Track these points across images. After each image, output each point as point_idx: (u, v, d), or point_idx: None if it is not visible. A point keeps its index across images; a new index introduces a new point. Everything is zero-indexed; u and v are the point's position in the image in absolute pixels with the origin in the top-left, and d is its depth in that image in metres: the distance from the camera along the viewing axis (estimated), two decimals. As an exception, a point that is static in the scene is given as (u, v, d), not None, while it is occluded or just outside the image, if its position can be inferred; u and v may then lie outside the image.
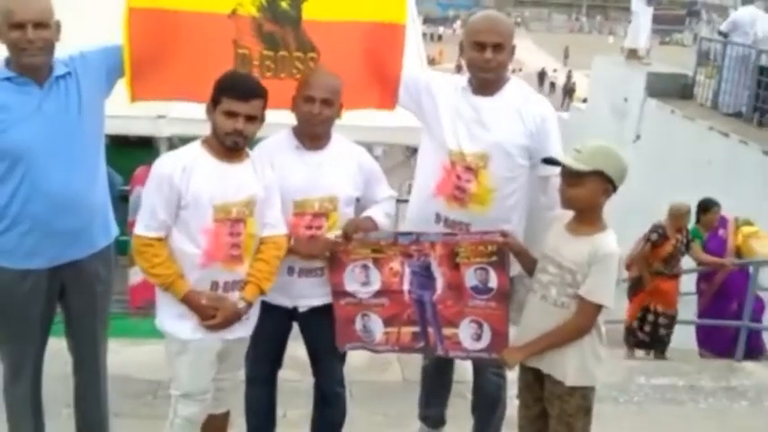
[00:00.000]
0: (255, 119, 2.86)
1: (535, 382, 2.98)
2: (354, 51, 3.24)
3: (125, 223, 4.17)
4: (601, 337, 2.88)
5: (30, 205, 2.84)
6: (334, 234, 3.08)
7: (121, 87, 3.07)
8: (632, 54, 13.19)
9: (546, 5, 77.16)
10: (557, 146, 3.15)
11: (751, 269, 6.77)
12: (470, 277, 3.04)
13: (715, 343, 7.23)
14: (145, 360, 4.45)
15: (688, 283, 7.55)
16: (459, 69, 24.07)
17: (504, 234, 2.99)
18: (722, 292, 7.27)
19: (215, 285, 2.88)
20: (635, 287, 7.13)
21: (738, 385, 5.34)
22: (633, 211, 7.86)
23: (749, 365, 5.96)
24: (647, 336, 7.10)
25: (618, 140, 10.61)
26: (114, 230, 3.20)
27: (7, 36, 2.78)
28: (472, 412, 3.63)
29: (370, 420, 4.12)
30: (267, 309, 3.08)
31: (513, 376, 3.19)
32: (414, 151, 8.74)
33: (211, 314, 2.87)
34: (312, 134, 3.11)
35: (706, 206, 7.28)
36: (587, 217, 2.83)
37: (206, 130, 2.94)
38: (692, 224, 7.19)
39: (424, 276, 3.09)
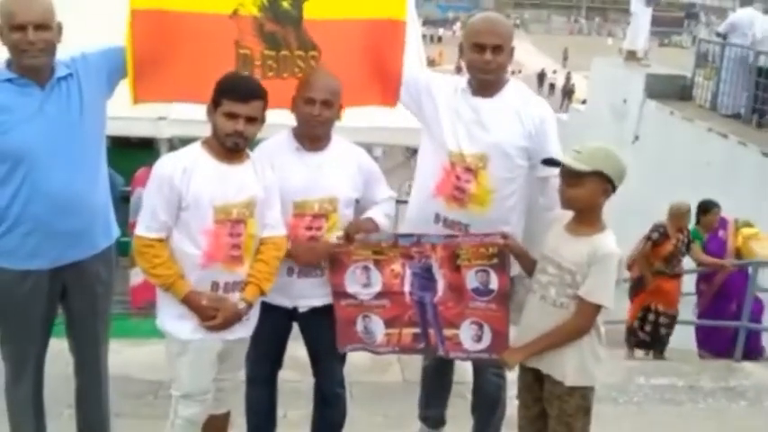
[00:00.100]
0: (256, 120, 2.87)
1: (535, 382, 2.99)
2: (355, 49, 3.24)
3: (126, 224, 4.17)
4: (600, 337, 2.89)
5: (31, 206, 2.85)
6: (335, 235, 3.09)
7: (122, 88, 3.07)
8: (631, 56, 13.19)
9: (545, 7, 77.23)
10: (556, 147, 3.16)
11: (750, 270, 6.78)
12: (471, 279, 3.04)
13: (714, 344, 7.24)
14: (146, 360, 4.46)
15: (688, 283, 7.56)
16: (458, 71, 24.06)
17: (504, 236, 3.00)
18: (722, 294, 7.28)
19: (215, 286, 2.89)
20: (636, 287, 7.14)
21: (737, 385, 5.34)
22: (632, 212, 7.87)
23: (748, 366, 5.97)
24: (648, 335, 7.11)
25: (617, 142, 10.61)
26: (115, 231, 3.20)
27: (8, 38, 2.78)
28: (472, 413, 3.64)
29: (371, 421, 4.12)
30: (267, 309, 3.09)
31: (512, 376, 3.20)
32: (413, 152, 8.76)
33: (212, 315, 2.87)
34: (312, 135, 3.11)
35: (706, 207, 7.29)
36: (587, 217, 2.84)
37: (206, 131, 2.95)
38: (692, 225, 7.20)
39: (425, 278, 3.10)
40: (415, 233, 3.12)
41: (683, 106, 11.40)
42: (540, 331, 2.88)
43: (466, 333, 3.12)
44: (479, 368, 3.49)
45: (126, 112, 3.26)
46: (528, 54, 44.29)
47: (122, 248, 3.37)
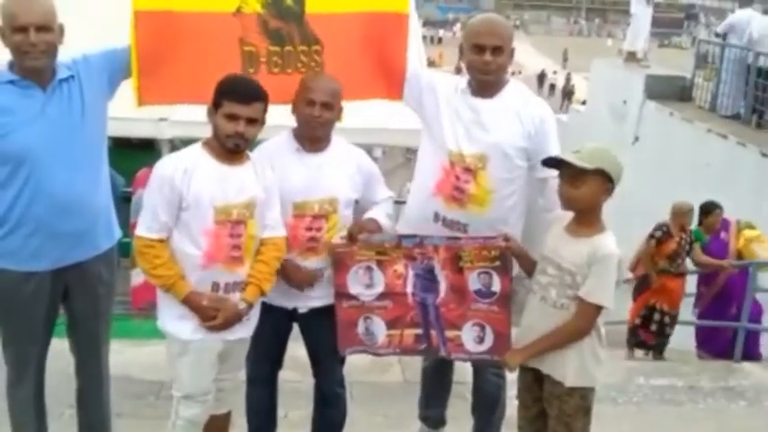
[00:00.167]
0: (256, 121, 2.88)
1: (534, 382, 2.99)
2: (358, 42, 3.23)
3: (127, 225, 4.18)
4: (600, 338, 2.90)
5: (33, 207, 2.85)
6: (339, 236, 3.10)
7: (124, 89, 3.07)
8: (631, 57, 13.19)
9: (545, 8, 77.22)
10: (555, 148, 3.16)
11: (750, 270, 6.79)
12: (474, 281, 3.04)
13: (713, 345, 7.25)
14: (147, 361, 4.46)
15: (690, 284, 7.56)
16: (458, 72, 24.04)
17: (506, 238, 3.00)
18: (722, 295, 7.29)
19: (216, 286, 2.90)
20: (641, 286, 7.14)
21: (737, 385, 5.35)
22: (632, 212, 7.88)
23: (747, 366, 5.99)
24: (653, 335, 7.11)
25: (617, 142, 10.64)
26: (117, 232, 3.21)
27: (10, 39, 2.78)
28: (472, 413, 3.65)
29: (371, 421, 4.12)
30: (267, 310, 3.10)
31: (512, 377, 3.20)
32: (413, 153, 8.77)
33: (212, 315, 2.88)
34: (312, 136, 3.12)
35: (708, 209, 7.29)
36: (587, 218, 2.84)
37: (207, 132, 2.95)
38: (694, 226, 7.21)
39: (428, 279, 3.10)
40: (418, 234, 3.12)
41: (682, 107, 11.41)
42: (540, 332, 2.88)
43: (468, 334, 3.12)
44: (479, 368, 3.50)
45: (127, 113, 3.26)
46: (528, 55, 44.30)
47: (123, 249, 3.37)
